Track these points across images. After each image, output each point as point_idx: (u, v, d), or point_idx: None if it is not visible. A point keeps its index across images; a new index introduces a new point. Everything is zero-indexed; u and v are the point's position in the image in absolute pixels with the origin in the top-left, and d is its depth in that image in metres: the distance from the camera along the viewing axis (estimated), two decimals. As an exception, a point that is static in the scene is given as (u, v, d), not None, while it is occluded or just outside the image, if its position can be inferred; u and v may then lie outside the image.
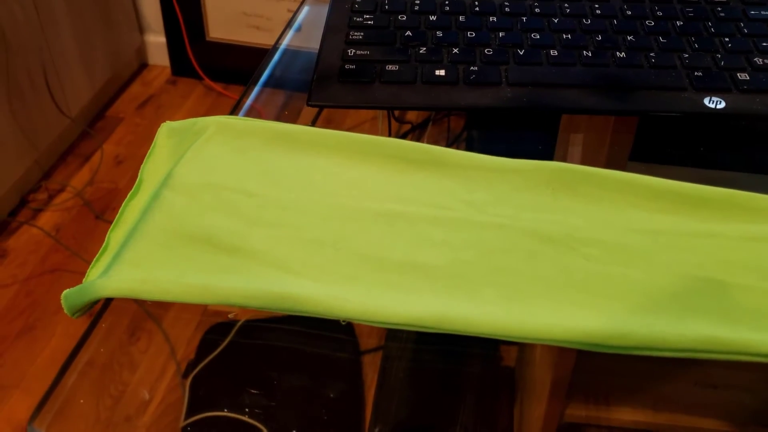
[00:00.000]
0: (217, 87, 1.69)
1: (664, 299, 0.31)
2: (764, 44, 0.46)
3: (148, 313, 0.32)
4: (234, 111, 0.47)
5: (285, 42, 0.55)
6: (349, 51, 0.46)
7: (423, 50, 0.46)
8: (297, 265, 0.32)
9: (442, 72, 0.45)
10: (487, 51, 0.46)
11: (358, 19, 0.50)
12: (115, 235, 0.34)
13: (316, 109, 0.45)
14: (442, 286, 0.31)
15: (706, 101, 0.42)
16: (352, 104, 0.43)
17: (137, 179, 0.37)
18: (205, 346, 0.31)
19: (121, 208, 0.35)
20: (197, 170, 0.36)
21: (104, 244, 0.33)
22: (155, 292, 0.30)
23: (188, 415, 0.30)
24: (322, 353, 0.31)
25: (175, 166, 0.36)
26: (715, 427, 0.28)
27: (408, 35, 0.48)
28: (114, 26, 1.60)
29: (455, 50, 0.46)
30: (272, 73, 0.52)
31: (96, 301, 0.31)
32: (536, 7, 0.49)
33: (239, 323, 0.32)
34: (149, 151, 0.39)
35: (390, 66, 0.45)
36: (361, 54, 0.46)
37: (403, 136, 0.43)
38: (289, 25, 0.57)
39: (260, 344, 0.31)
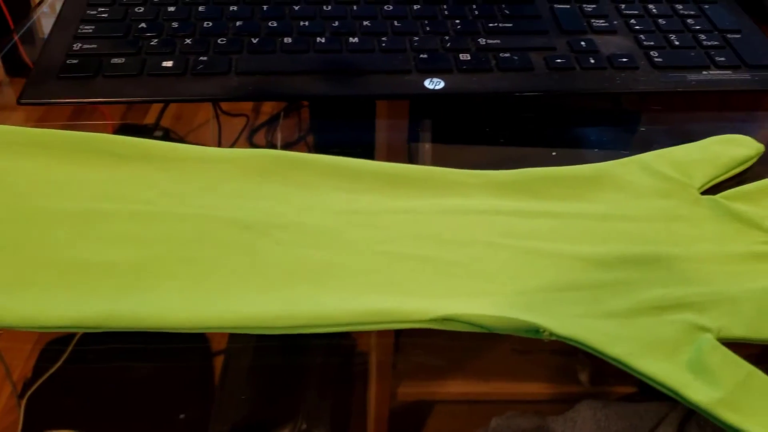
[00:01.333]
0: None
1: (345, 276, 0.31)
2: (491, 25, 0.48)
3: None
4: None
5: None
6: (75, 45, 0.45)
7: (154, 42, 0.45)
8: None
9: (169, 63, 0.43)
10: (221, 41, 0.45)
11: (92, 13, 0.48)
12: None
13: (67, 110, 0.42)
14: (117, 284, 0.30)
15: (426, 83, 0.43)
16: (68, 100, 0.41)
17: None
18: (43, 362, 0.29)
19: None
20: None
21: None
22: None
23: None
24: (169, 361, 0.29)
25: None
26: (534, 390, 0.29)
27: (142, 27, 0.46)
28: None
29: (188, 41, 0.45)
30: None
31: None
32: (277, -5, 0.49)
33: (78, 336, 0.30)
34: None
35: (115, 59, 0.44)
36: (88, 48, 0.44)
37: (257, 130, 0.42)
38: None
39: (103, 357, 0.29)
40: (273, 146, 0.41)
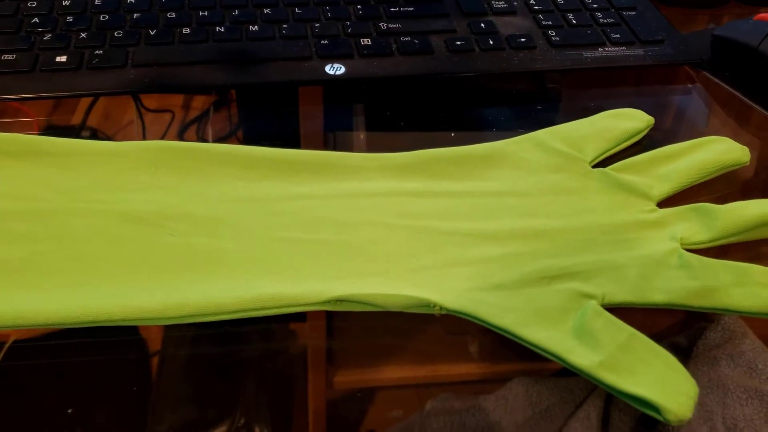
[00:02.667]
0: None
1: (238, 264, 0.31)
2: (392, 9, 0.48)
3: None
4: None
5: None
6: (-38, 43, 0.43)
7: (48, 37, 0.44)
8: None
9: (63, 58, 0.43)
10: (117, 34, 0.45)
11: (-18, 9, 0.46)
12: None
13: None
14: (3, 282, 0.29)
15: (327, 68, 0.44)
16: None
17: None
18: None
19: None
20: None
21: None
22: None
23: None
24: (103, 363, 0.29)
25: None
26: (469, 371, 0.29)
27: (35, 22, 0.45)
28: None
29: (83, 35, 0.44)
30: None
31: None
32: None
33: (7, 344, 0.29)
34: None
35: (6, 55, 0.42)
36: (-23, 45, 0.43)
37: (188, 126, 0.41)
38: None
39: (34, 365, 0.28)
40: (204, 141, 0.41)
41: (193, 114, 0.42)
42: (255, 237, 0.33)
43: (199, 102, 0.43)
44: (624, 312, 0.30)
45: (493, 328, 0.29)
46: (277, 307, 0.29)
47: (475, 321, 0.30)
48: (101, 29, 0.45)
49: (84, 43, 0.44)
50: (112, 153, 0.36)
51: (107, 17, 0.46)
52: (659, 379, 0.27)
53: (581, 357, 0.28)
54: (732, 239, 0.34)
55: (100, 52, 0.43)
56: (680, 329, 0.31)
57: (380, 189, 0.36)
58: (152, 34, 0.45)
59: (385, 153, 0.38)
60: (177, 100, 0.43)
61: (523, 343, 0.29)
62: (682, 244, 0.33)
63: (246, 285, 0.30)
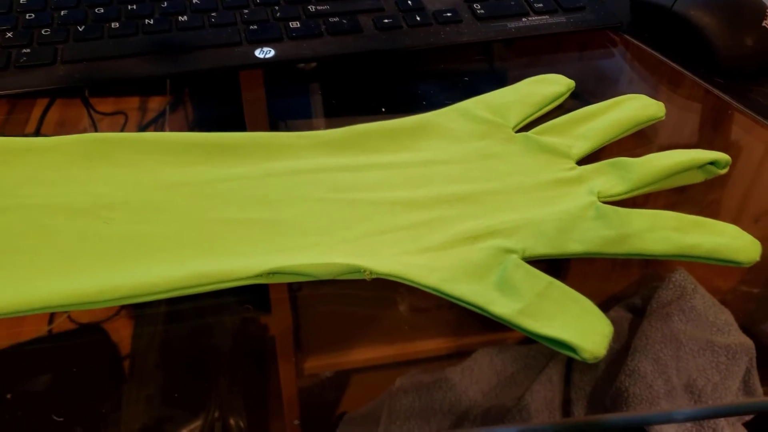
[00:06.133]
0: None
1: (172, 247, 0.32)
2: (320, -8, 0.49)
3: None
4: None
5: None
6: None
7: (-26, 39, 0.44)
8: None
9: (-10, 59, 0.43)
10: (45, 31, 0.45)
11: None
12: None
13: None
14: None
15: (257, 53, 0.44)
16: None
17: None
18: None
19: None
20: None
21: None
22: None
23: None
24: (74, 364, 0.29)
25: None
26: (436, 346, 0.30)
27: (-40, 25, 0.45)
28: None
29: (9, 34, 0.45)
30: None
31: None
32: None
33: None
34: None
35: (-70, 59, 0.42)
36: None
37: (145, 128, 0.41)
38: None
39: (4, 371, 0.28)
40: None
41: (150, 116, 0.43)
42: (188, 220, 0.33)
43: (156, 103, 0.43)
44: (579, 277, 0.32)
45: (421, 287, 0.31)
46: (210, 284, 0.30)
47: (405, 282, 0.31)
48: (28, 28, 0.45)
49: (10, 43, 0.44)
50: (45, 148, 0.37)
51: (33, 16, 0.46)
52: (575, 322, 0.28)
53: (502, 306, 0.29)
54: (647, 189, 0.35)
55: (28, 50, 0.43)
56: (635, 290, 0.32)
57: (312, 166, 0.37)
58: (81, 30, 0.45)
59: (316, 131, 0.39)
60: (133, 102, 0.44)
61: (449, 299, 0.30)
62: (600, 197, 0.35)
63: (180, 265, 0.31)
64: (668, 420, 0.31)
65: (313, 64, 0.47)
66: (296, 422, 0.27)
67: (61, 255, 0.32)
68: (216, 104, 0.43)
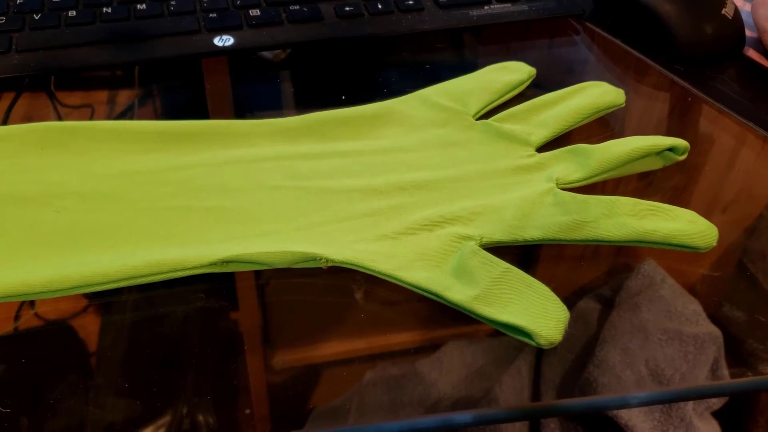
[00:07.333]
0: None
1: (125, 235, 0.32)
2: (282, -20, 0.49)
3: None
4: None
5: None
6: None
7: (-74, 27, 0.43)
8: None
9: (-58, 48, 0.42)
10: (0, 20, 0.44)
11: None
12: None
13: None
14: None
15: (215, 41, 0.44)
16: None
17: None
18: None
19: None
20: None
21: None
22: None
23: None
24: (40, 360, 0.28)
25: None
26: (407, 338, 0.29)
27: None
28: None
29: (-37, 23, 0.44)
30: None
31: None
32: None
33: None
34: None
35: None
36: None
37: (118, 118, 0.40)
38: None
39: None
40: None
41: (119, 109, 0.42)
42: (142, 208, 0.33)
43: (124, 97, 0.43)
44: (548, 268, 0.32)
45: (377, 274, 0.30)
46: (162, 273, 0.30)
47: (361, 269, 0.31)
48: (-18, 17, 0.44)
49: (-36, 32, 0.43)
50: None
51: (-12, 5, 0.45)
52: (530, 308, 0.28)
53: (458, 293, 0.29)
54: (606, 176, 0.36)
55: (-19, 39, 0.43)
56: (604, 281, 0.32)
57: (269, 153, 0.36)
58: (37, 18, 0.44)
59: (274, 118, 0.39)
60: (101, 96, 0.43)
61: (405, 286, 0.30)
62: (558, 183, 0.35)
63: (131, 254, 0.30)
64: (623, 405, 0.32)
65: (283, 56, 0.46)
66: (247, 411, 0.27)
67: (10, 244, 0.31)
68: (183, 95, 0.43)
